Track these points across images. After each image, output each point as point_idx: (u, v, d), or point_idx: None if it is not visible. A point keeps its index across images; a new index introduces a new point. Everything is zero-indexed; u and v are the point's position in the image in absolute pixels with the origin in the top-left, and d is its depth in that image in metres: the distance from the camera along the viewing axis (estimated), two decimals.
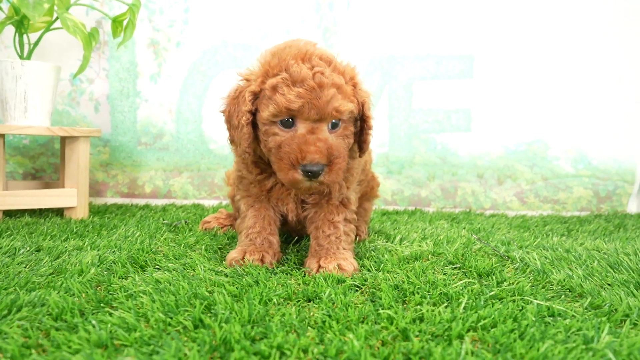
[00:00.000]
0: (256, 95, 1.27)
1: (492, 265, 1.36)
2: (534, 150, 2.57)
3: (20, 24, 2.04)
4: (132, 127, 2.55)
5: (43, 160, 2.52)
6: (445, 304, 1.05)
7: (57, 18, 2.07)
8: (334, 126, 1.25)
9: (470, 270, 1.33)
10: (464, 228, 2.00)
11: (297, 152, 1.19)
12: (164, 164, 2.57)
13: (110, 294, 1.06)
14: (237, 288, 1.11)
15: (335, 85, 1.20)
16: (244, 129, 1.27)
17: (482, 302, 1.04)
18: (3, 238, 1.58)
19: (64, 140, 2.16)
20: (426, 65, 2.55)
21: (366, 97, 1.31)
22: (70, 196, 2.03)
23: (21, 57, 2.07)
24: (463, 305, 1.02)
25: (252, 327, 0.89)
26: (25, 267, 1.26)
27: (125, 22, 2.18)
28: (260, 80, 1.25)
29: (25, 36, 2.10)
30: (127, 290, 1.07)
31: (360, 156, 1.41)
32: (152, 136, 2.56)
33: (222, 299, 1.01)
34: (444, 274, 1.31)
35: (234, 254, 1.38)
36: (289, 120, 1.22)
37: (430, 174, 2.59)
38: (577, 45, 2.53)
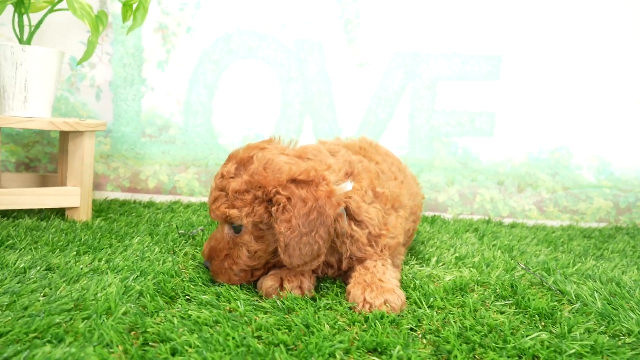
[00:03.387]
0: None
1: (548, 303, 1.27)
2: (556, 158, 2.48)
3: (20, 3, 1.85)
4: (136, 117, 2.38)
5: (38, 149, 2.34)
6: None
7: None
8: (236, 230, 1.26)
9: (528, 310, 1.23)
10: (494, 245, 1.91)
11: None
12: (169, 157, 2.41)
13: (150, 345, 0.92)
14: (289, 336, 0.99)
15: (223, 189, 1.24)
16: None
17: None
18: (7, 250, 1.42)
19: (64, 132, 1.99)
20: (452, 64, 2.42)
21: (279, 202, 1.18)
22: (73, 195, 1.87)
23: (21, 40, 1.88)
24: None
25: None
26: (40, 296, 1.12)
27: (135, 5, 1.99)
28: None
29: (25, 17, 1.90)
30: (168, 340, 0.94)
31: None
32: (158, 128, 2.39)
33: (280, 358, 0.89)
34: (502, 314, 1.21)
35: (270, 282, 1.25)
36: None
37: (450, 179, 2.48)
38: (607, 51, 2.42)
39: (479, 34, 2.41)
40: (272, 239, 1.24)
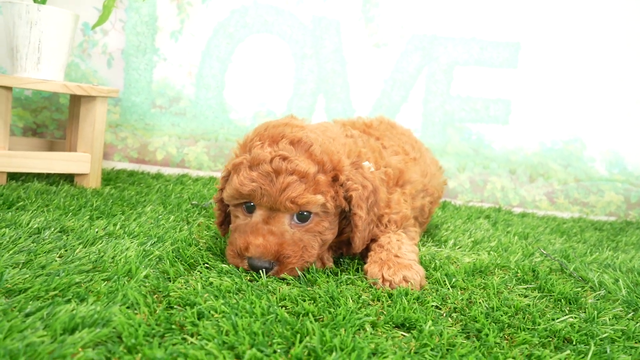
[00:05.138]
0: (228, 175, 1.20)
1: (572, 289, 1.24)
2: (570, 149, 2.45)
3: None
4: (147, 87, 2.33)
5: (46, 115, 2.29)
6: (557, 344, 0.93)
7: None
8: (303, 219, 1.13)
9: (552, 294, 1.21)
10: (509, 231, 1.88)
11: (244, 241, 1.11)
12: (179, 130, 2.37)
13: (174, 308, 0.89)
14: (315, 307, 0.96)
15: (297, 173, 1.09)
16: (216, 206, 1.27)
17: (600, 348, 0.91)
18: (19, 211, 1.39)
19: (76, 97, 1.95)
20: (470, 49, 2.38)
21: (356, 189, 1.15)
22: (83, 162, 1.83)
23: (35, 0, 1.82)
24: (590, 356, 0.89)
25: None
26: (57, 256, 1.08)
27: None
28: (232, 160, 1.19)
29: None
30: (193, 304, 0.90)
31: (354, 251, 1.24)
32: (168, 99, 2.35)
33: (311, 327, 0.86)
34: (525, 297, 1.19)
35: None
36: (251, 204, 1.14)
37: (461, 165, 2.45)
38: (626, 46, 2.39)
39: (498, 20, 2.37)
40: (336, 224, 1.20)
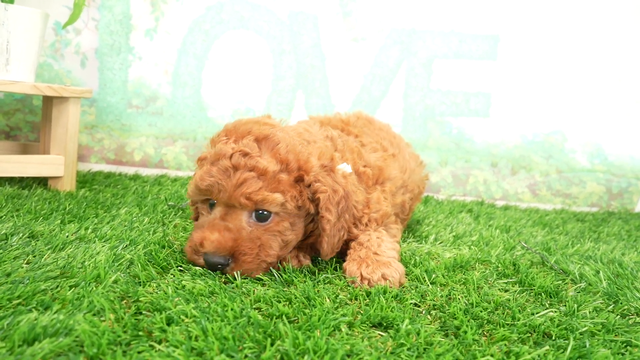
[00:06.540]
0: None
1: (552, 282, 1.23)
2: (551, 141, 2.45)
3: None
4: (123, 86, 2.28)
5: (19, 118, 2.24)
6: (536, 340, 0.91)
7: None
8: (262, 218, 1.09)
9: (533, 288, 1.19)
10: (491, 225, 1.87)
11: (199, 236, 1.07)
12: (156, 130, 2.33)
13: (143, 314, 0.86)
14: (290, 308, 0.94)
15: (256, 170, 1.06)
16: (190, 201, 1.23)
17: (579, 343, 0.90)
18: None
19: (48, 99, 1.90)
20: (449, 42, 2.37)
21: (324, 192, 1.11)
22: (56, 164, 1.79)
23: None
24: (569, 350, 0.88)
25: None
26: (24, 263, 1.05)
27: None
28: (199, 155, 1.20)
29: None
30: (163, 309, 0.88)
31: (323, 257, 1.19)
32: (145, 98, 2.30)
33: (284, 329, 0.83)
34: (506, 291, 1.17)
35: None
36: (213, 202, 1.12)
37: (443, 159, 2.44)
38: (605, 37, 2.39)
39: (477, 12, 2.36)
40: (301, 225, 1.16)
